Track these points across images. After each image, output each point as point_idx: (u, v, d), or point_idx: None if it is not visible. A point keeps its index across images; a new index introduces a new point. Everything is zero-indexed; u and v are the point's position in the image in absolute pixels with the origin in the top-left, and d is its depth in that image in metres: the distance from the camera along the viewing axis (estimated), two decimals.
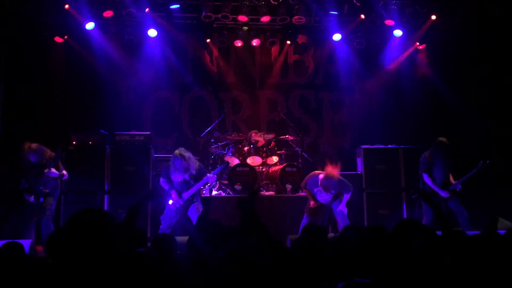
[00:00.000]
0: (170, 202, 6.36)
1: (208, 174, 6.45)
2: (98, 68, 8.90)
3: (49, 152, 6.42)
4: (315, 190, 6.61)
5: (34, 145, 6.31)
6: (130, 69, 9.22)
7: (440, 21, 8.67)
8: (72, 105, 8.88)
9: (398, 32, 8.88)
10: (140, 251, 2.91)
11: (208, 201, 4.20)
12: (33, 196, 6.25)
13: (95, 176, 7.60)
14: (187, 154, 6.36)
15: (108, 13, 8.29)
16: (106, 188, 7.65)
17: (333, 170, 6.47)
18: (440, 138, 6.73)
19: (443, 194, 6.64)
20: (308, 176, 6.84)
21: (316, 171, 6.76)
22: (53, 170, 6.35)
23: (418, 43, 9.37)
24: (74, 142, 7.70)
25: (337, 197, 6.63)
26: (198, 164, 6.54)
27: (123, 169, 7.72)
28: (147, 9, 8.37)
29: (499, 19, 8.19)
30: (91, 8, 8.25)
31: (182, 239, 4.40)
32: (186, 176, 6.36)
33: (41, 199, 6.30)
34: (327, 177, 6.42)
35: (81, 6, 8.17)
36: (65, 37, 8.77)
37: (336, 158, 9.45)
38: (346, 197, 6.64)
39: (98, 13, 8.30)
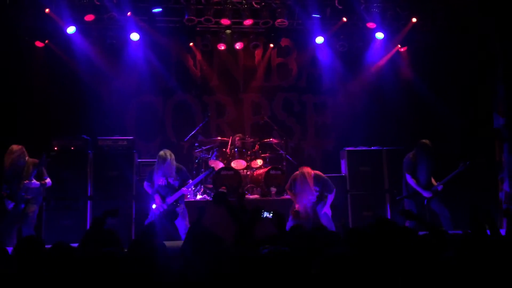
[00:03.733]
0: (154, 206, 6.31)
1: (188, 183, 6.42)
2: (80, 73, 8.81)
3: (31, 159, 6.33)
4: (297, 185, 6.65)
5: (19, 148, 6.21)
6: (113, 73, 9.14)
7: (421, 23, 8.79)
8: (53, 110, 8.76)
9: (379, 35, 8.97)
10: (107, 250, 2.87)
11: (203, 210, 4.16)
12: (13, 204, 6.14)
13: (78, 182, 7.51)
14: (171, 156, 6.34)
15: (89, 17, 8.22)
16: (89, 194, 7.57)
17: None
18: (423, 140, 6.82)
19: (426, 194, 6.72)
20: (292, 177, 6.89)
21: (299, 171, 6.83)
22: (34, 181, 6.23)
23: (399, 46, 9.46)
24: (55, 148, 7.60)
25: (321, 198, 6.67)
26: (182, 168, 6.52)
27: (106, 174, 7.64)
28: (129, 13, 8.32)
29: (479, 21, 8.31)
30: (72, 12, 8.16)
31: (168, 243, 4.36)
32: (170, 180, 6.33)
33: (22, 206, 6.18)
34: (301, 173, 6.58)
35: (62, 10, 8.09)
36: (46, 41, 8.66)
37: (320, 161, 9.57)
38: (330, 198, 6.70)
39: (79, 17, 8.23)
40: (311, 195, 6.59)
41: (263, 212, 3.89)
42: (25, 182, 6.15)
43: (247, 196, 8.02)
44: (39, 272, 2.84)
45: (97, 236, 3.56)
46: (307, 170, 6.64)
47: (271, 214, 3.89)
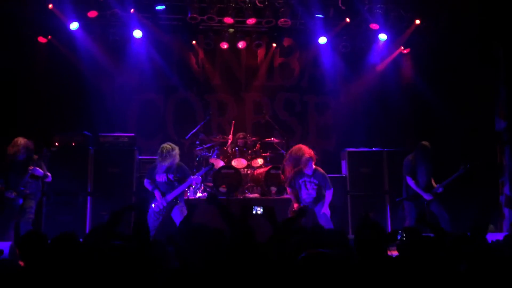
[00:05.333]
0: (153, 205, 6.31)
1: (192, 176, 6.43)
2: (82, 69, 8.82)
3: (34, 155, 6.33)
4: (301, 181, 6.65)
5: (24, 142, 6.20)
6: (115, 70, 9.14)
7: (424, 25, 8.77)
8: (55, 105, 8.76)
9: (383, 36, 8.96)
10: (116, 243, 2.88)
11: (193, 206, 4.16)
12: (14, 193, 6.11)
13: (78, 178, 7.53)
14: (174, 149, 6.33)
15: (92, 13, 8.21)
16: (89, 190, 7.58)
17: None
18: (423, 142, 6.82)
19: (426, 196, 6.71)
20: (291, 174, 6.90)
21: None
22: (38, 169, 6.25)
23: (402, 47, 9.46)
24: (56, 143, 7.62)
25: (320, 196, 6.66)
26: (181, 164, 6.51)
27: (106, 171, 7.67)
28: (132, 10, 8.31)
29: (482, 24, 8.30)
30: (75, 8, 8.15)
31: None
32: (170, 177, 6.33)
33: (21, 201, 6.17)
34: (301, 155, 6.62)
35: (65, 6, 8.09)
36: (49, 37, 8.67)
37: (321, 161, 9.56)
38: (328, 196, 6.67)
39: (82, 13, 8.22)
40: (311, 187, 6.60)
41: (254, 208, 3.89)
42: (30, 168, 6.14)
43: (247, 195, 8.03)
44: (44, 265, 2.85)
45: (111, 230, 3.57)
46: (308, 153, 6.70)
47: (262, 209, 3.88)
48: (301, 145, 6.96)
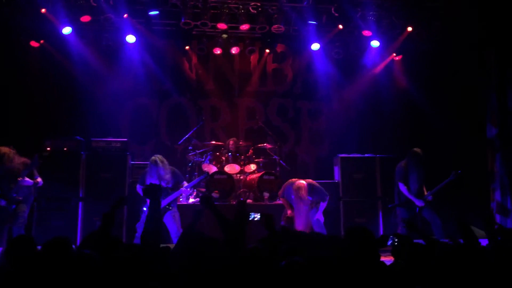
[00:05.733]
0: (145, 209, 6.29)
1: (183, 187, 6.41)
2: (75, 73, 8.78)
3: (23, 159, 6.27)
4: (292, 197, 6.63)
5: (8, 150, 6.15)
6: (108, 75, 9.10)
7: (416, 33, 8.83)
8: (47, 110, 8.71)
9: (375, 43, 9.01)
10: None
11: (199, 214, 4.12)
12: (5, 202, 6.08)
13: (70, 183, 7.47)
14: (163, 161, 6.34)
15: (85, 18, 8.18)
16: (80, 195, 7.53)
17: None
18: (415, 149, 6.86)
19: (418, 203, 6.74)
20: (284, 184, 6.89)
21: (293, 179, 6.79)
22: (27, 179, 6.18)
23: (394, 54, 9.53)
24: (48, 148, 7.56)
25: (313, 206, 6.66)
26: (175, 171, 6.51)
27: (98, 176, 7.61)
28: (125, 15, 8.29)
29: (474, 31, 8.38)
30: (68, 13, 8.12)
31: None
32: (163, 183, 6.32)
33: (13, 206, 6.13)
34: (295, 188, 6.48)
35: (58, 11, 8.04)
36: (41, 41, 8.64)
37: (314, 167, 9.59)
38: (323, 205, 6.70)
39: (75, 18, 8.18)
40: (303, 204, 6.57)
41: (251, 214, 3.87)
42: (19, 179, 6.09)
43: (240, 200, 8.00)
44: (33, 270, 2.82)
45: (107, 233, 3.55)
46: (301, 184, 6.52)
47: (259, 216, 3.87)
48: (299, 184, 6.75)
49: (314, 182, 6.83)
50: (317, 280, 2.52)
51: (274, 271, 2.68)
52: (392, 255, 3.78)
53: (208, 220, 5.40)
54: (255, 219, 3.85)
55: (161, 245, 3.60)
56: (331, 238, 3.77)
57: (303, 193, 6.46)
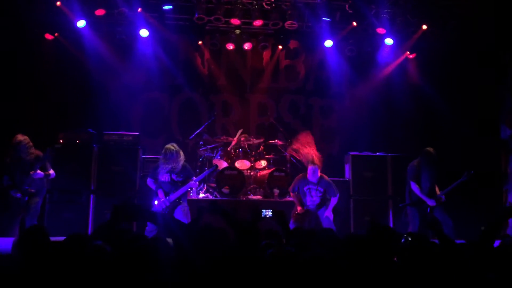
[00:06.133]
0: (156, 202, 6.31)
1: (192, 180, 6.41)
2: (89, 67, 8.82)
3: (36, 152, 6.32)
4: (305, 188, 6.70)
5: (24, 138, 6.20)
6: (121, 69, 9.14)
7: (431, 31, 8.75)
8: (61, 102, 8.77)
9: (389, 41, 8.95)
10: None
11: (202, 209, 4.09)
12: (20, 193, 6.14)
13: (82, 176, 7.54)
14: (179, 151, 6.35)
15: (100, 12, 8.23)
16: (92, 188, 7.59)
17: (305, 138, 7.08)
18: (428, 148, 6.78)
19: (430, 202, 6.68)
20: (295, 179, 6.94)
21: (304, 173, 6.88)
22: (39, 172, 6.23)
23: (408, 52, 9.44)
24: (61, 140, 7.63)
25: (324, 201, 6.72)
26: (186, 166, 6.52)
27: (110, 169, 7.67)
28: (139, 9, 8.33)
29: (489, 30, 8.28)
30: (82, 6, 8.18)
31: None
32: (173, 177, 6.33)
33: (26, 198, 6.19)
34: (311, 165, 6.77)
35: (73, 4, 8.11)
36: (56, 34, 8.69)
37: (325, 164, 9.56)
38: (333, 202, 6.73)
39: (89, 11, 8.24)
40: (315, 194, 6.66)
41: (263, 211, 3.86)
42: (31, 172, 6.15)
43: (249, 196, 8.02)
44: (45, 263, 2.84)
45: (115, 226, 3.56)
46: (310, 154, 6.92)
47: (271, 213, 3.86)
48: (309, 147, 7.03)
49: (326, 176, 6.90)
50: (330, 277, 2.51)
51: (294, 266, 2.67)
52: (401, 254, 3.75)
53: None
54: (267, 215, 3.84)
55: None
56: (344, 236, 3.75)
57: (315, 172, 6.68)
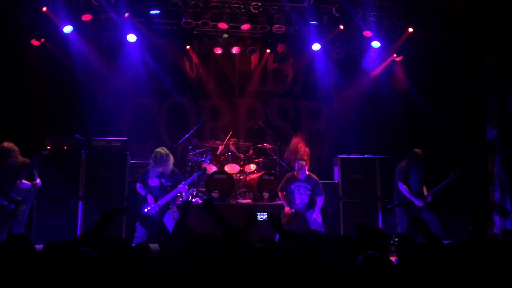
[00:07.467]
0: (146, 210, 6.28)
1: (181, 184, 6.40)
2: (76, 72, 8.78)
3: (23, 159, 6.24)
4: (293, 186, 6.77)
5: (12, 146, 6.13)
6: (108, 74, 9.12)
7: (417, 33, 8.84)
8: (47, 109, 8.73)
9: (376, 44, 9.01)
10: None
11: (188, 205, 4.07)
12: (6, 201, 6.06)
13: (70, 182, 7.47)
14: (168, 154, 6.33)
15: (86, 17, 8.17)
16: (80, 194, 7.53)
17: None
18: (415, 149, 6.86)
19: (418, 203, 6.74)
20: (283, 178, 7.06)
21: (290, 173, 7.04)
22: (24, 181, 6.15)
23: (395, 55, 9.53)
24: (48, 147, 7.56)
25: (312, 203, 6.79)
26: (175, 171, 6.50)
27: (98, 175, 7.62)
28: (126, 14, 8.29)
29: (474, 32, 8.37)
30: (69, 12, 8.12)
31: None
32: (163, 181, 6.31)
33: (13, 206, 6.11)
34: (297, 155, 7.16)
35: (59, 9, 8.04)
36: (42, 40, 8.64)
37: (314, 167, 9.61)
38: (319, 202, 6.81)
39: (76, 16, 8.18)
40: (304, 193, 6.75)
41: (258, 214, 3.86)
42: (17, 181, 6.08)
43: (239, 200, 8.02)
44: (28, 269, 2.82)
45: (101, 232, 3.54)
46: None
47: (266, 216, 3.87)
48: (299, 144, 7.24)
49: (313, 174, 7.07)
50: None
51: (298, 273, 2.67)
52: (397, 254, 3.79)
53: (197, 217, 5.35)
54: (262, 219, 3.86)
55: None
56: (334, 237, 3.77)
57: (303, 168, 6.83)
